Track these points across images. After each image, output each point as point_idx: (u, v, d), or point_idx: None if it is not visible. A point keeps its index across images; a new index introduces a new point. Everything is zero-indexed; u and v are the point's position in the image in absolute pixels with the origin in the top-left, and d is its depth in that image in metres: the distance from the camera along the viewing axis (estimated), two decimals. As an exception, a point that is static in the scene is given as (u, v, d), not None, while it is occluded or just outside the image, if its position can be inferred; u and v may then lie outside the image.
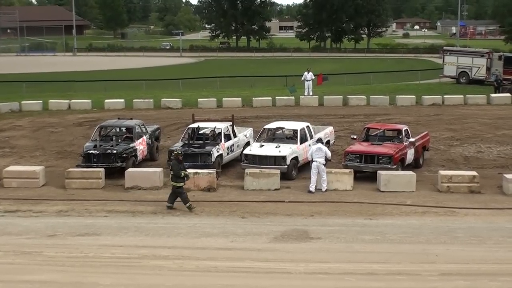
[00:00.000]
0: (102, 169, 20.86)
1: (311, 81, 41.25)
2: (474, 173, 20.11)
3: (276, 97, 39.17)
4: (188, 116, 27.91)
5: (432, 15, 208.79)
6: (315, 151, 20.07)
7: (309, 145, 22.26)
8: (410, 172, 20.40)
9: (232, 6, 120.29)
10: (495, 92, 41.01)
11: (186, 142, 22.40)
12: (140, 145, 23.10)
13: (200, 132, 23.01)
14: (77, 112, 36.61)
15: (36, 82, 52.79)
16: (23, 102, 38.36)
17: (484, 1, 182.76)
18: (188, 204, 17.88)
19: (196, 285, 12.65)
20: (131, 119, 25.25)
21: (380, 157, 20.87)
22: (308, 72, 41.43)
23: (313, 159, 19.99)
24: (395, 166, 20.68)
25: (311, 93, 40.70)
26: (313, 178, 19.79)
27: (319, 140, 20.90)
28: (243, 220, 17.01)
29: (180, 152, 19.01)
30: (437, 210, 17.73)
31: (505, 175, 19.95)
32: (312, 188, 19.67)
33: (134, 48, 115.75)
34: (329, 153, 20.36)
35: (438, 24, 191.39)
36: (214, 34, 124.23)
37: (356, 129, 28.26)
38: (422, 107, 37.31)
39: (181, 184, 18.04)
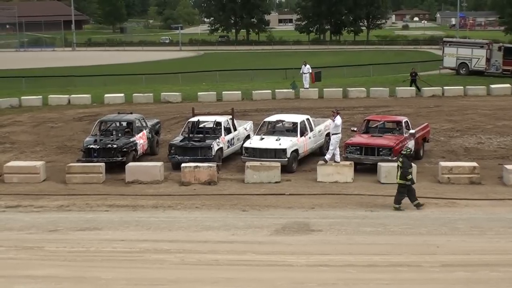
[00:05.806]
0: (103, 164, 20.87)
1: (308, 74, 41.18)
2: (474, 164, 20.08)
3: (276, 90, 39.20)
4: (188, 110, 27.90)
5: (431, 6, 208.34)
6: (341, 123, 20.93)
7: (310, 137, 22.31)
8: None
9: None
10: (411, 86, 39.47)
11: (186, 136, 22.40)
12: (141, 139, 23.09)
13: (200, 126, 23.01)
14: (77, 107, 36.63)
15: (36, 77, 52.70)
16: (22, 97, 38.36)
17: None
18: (416, 202, 17.20)
19: (197, 278, 12.66)
20: (131, 113, 25.24)
21: (380, 149, 20.86)
22: (305, 65, 41.39)
23: (339, 132, 20.80)
24: (396, 157, 20.64)
25: (307, 86, 40.59)
26: (338, 149, 20.69)
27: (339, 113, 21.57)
28: (244, 213, 17.01)
29: (410, 149, 18.39)
30: (438, 201, 17.73)
31: (505, 166, 19.93)
32: (339, 158, 20.56)
33: (133, 43, 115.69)
34: None
35: (438, 15, 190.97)
36: (213, 27, 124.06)
37: (356, 121, 28.24)
38: (422, 98, 37.29)
39: (409, 183, 17.20)
